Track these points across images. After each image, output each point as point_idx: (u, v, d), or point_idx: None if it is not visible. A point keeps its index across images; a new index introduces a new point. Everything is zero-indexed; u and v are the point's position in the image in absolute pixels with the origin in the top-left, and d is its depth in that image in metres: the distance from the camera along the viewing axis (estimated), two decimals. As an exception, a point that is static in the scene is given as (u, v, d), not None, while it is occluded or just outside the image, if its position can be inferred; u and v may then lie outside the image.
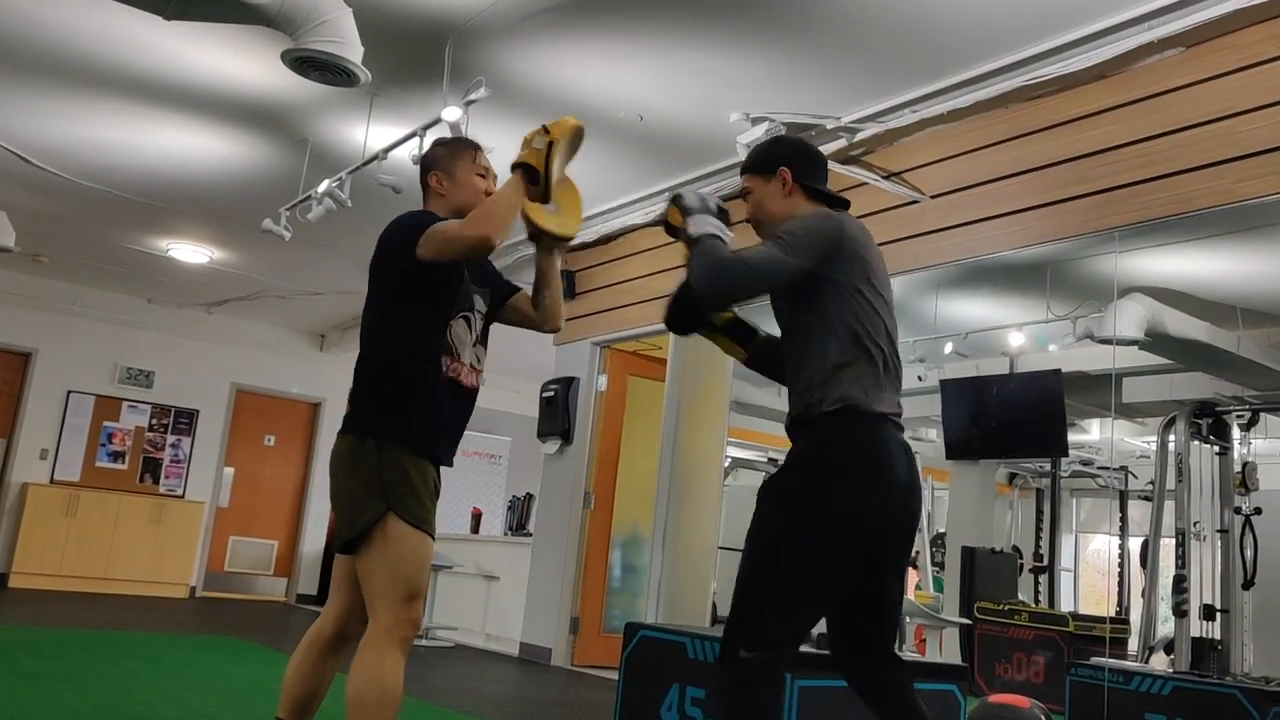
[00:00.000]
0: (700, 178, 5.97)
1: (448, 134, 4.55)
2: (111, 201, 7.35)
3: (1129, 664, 5.19)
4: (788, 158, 2.45)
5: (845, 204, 2.45)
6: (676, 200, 2.40)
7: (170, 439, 10.39)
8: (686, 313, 2.47)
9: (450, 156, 2.66)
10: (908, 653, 7.77)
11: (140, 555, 9.83)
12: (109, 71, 5.40)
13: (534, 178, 2.49)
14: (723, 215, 2.39)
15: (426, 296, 2.49)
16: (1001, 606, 7.79)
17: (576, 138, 2.55)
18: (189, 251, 8.47)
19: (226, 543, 10.63)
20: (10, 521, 9.52)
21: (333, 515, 2.47)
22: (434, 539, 2.45)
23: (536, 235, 2.62)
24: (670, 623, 6.01)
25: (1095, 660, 4.96)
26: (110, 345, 10.17)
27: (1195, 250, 5.40)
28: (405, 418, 2.44)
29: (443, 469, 2.57)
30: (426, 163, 2.69)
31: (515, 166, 2.50)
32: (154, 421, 10.33)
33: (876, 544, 2.21)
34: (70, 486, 9.80)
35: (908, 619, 6.72)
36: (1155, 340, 6.03)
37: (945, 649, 7.89)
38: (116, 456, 10.11)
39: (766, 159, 2.47)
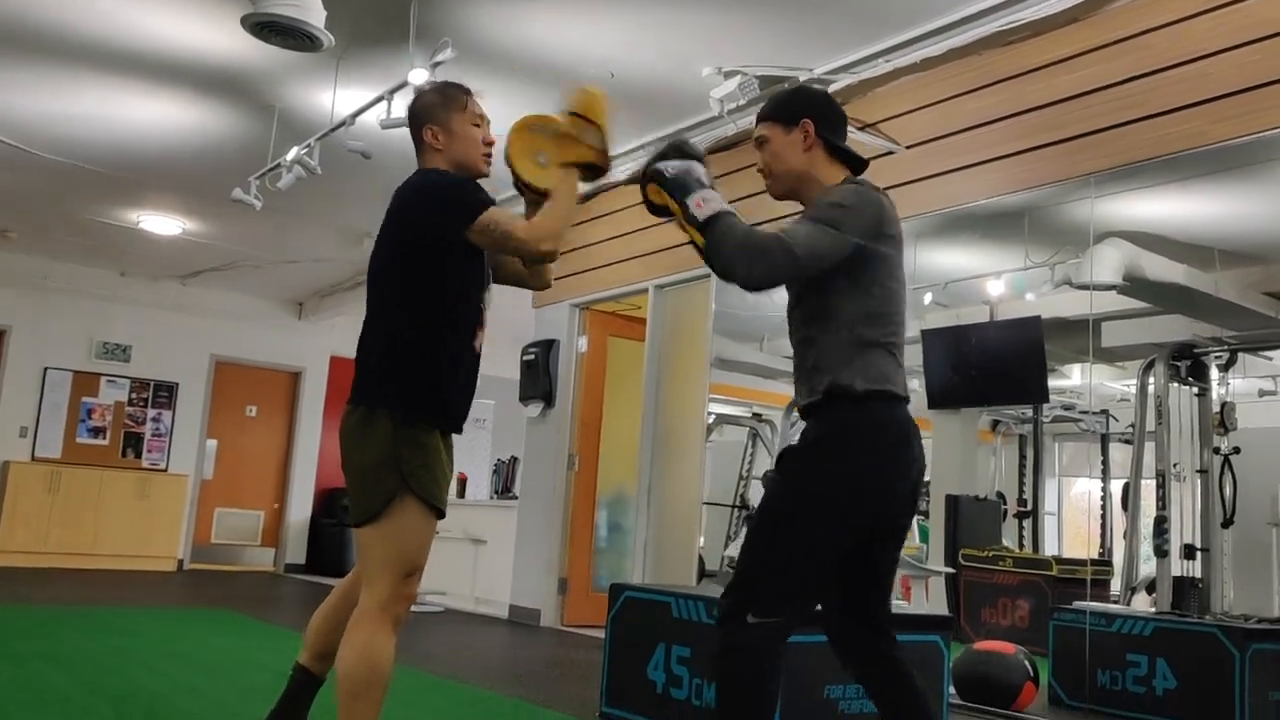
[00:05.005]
0: (674, 133, 5.90)
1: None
2: (77, 174, 7.23)
3: (1111, 607, 5.26)
4: (812, 109, 2.33)
5: (864, 163, 2.36)
6: (655, 176, 2.20)
7: (151, 413, 10.32)
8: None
9: (444, 107, 2.50)
10: (895, 600, 7.86)
11: (126, 530, 9.82)
12: (66, 42, 5.28)
13: (598, 174, 2.42)
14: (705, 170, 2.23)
15: (467, 270, 2.40)
16: (985, 553, 7.86)
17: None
18: (160, 223, 8.36)
19: (212, 515, 10.62)
20: (-8, 500, 9.48)
21: (346, 487, 2.40)
22: (444, 515, 2.39)
23: (523, 189, 2.51)
24: (657, 580, 6.05)
25: (1077, 604, 5.02)
26: (85, 320, 10.07)
27: (1173, 193, 5.38)
28: (425, 391, 2.35)
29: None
30: (418, 115, 2.52)
31: (570, 165, 2.38)
32: (133, 396, 10.26)
33: (890, 521, 2.23)
34: (51, 463, 9.75)
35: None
36: (1134, 284, 6.04)
37: (931, 596, 7.97)
38: (97, 432, 10.05)
39: (789, 108, 2.34)
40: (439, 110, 2.51)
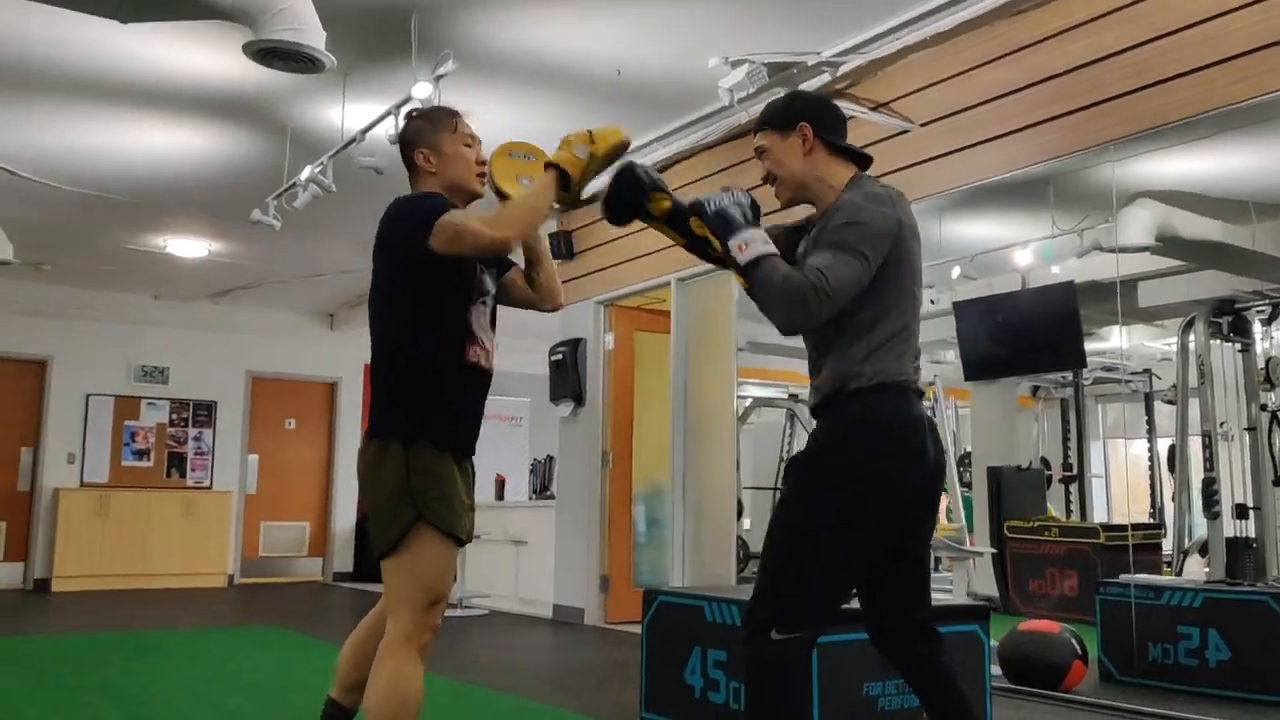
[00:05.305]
0: (685, 126, 5.86)
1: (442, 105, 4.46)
2: (102, 204, 7.32)
3: (1158, 578, 5.16)
4: (807, 113, 2.32)
5: (868, 160, 2.35)
6: (698, 211, 2.22)
7: (192, 432, 10.46)
8: (622, 202, 2.31)
9: (433, 130, 2.51)
10: (942, 572, 7.77)
11: (175, 549, 9.96)
12: (79, 77, 5.33)
13: (566, 184, 2.37)
14: (755, 210, 2.22)
15: (445, 284, 2.39)
16: (1031, 524, 7.77)
17: (620, 150, 2.42)
18: (186, 246, 8.44)
19: (258, 528, 10.74)
20: (46, 527, 9.66)
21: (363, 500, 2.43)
22: (468, 540, 2.40)
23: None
24: (699, 572, 6.04)
25: (1124, 578, 4.94)
26: (122, 345, 10.21)
27: (1201, 149, 5.25)
28: (430, 417, 2.36)
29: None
30: (408, 139, 2.53)
31: (549, 167, 2.36)
32: (174, 416, 10.40)
33: (908, 520, 2.20)
34: (100, 488, 9.91)
35: (931, 553, 6.72)
36: (1167, 244, 5.92)
37: (979, 570, 7.89)
38: (141, 454, 10.20)
39: (785, 114, 2.34)
40: (429, 133, 2.51)
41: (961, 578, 5.11)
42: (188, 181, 6.93)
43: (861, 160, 2.35)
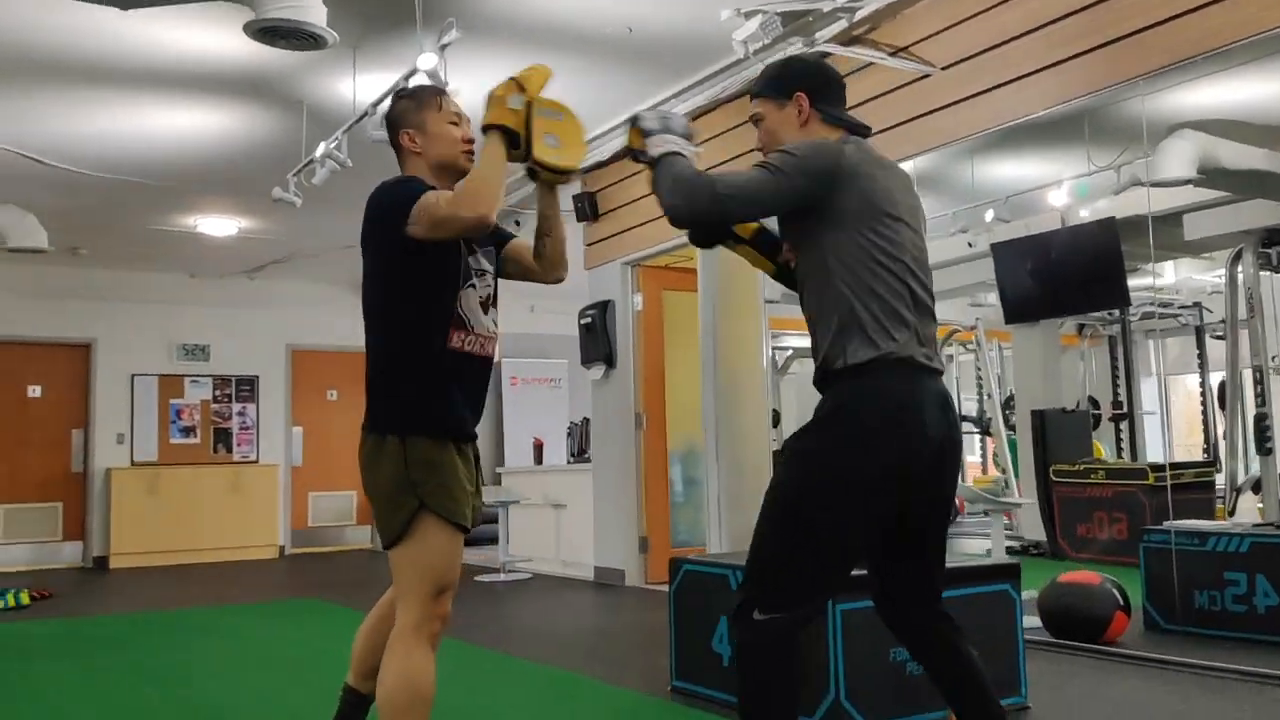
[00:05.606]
0: (700, 81, 5.73)
1: (427, 83, 4.40)
2: (130, 188, 7.38)
3: (1203, 524, 5.03)
4: (804, 81, 2.27)
5: (866, 130, 2.28)
6: (635, 122, 2.27)
7: (236, 407, 10.60)
8: (706, 225, 2.34)
9: (417, 109, 2.48)
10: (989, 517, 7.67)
11: (226, 523, 10.13)
12: (92, 65, 5.33)
13: (514, 141, 2.32)
14: (688, 137, 2.26)
15: (428, 270, 2.35)
16: (1077, 466, 7.65)
17: (546, 79, 2.39)
18: (216, 224, 8.49)
19: (306, 500, 10.88)
20: (101, 506, 9.88)
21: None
22: (472, 526, 2.39)
23: (534, 170, 2.43)
24: (735, 533, 6.00)
25: (1167, 524, 4.83)
26: (163, 324, 10.35)
27: (1239, 76, 5.04)
28: (423, 408, 2.34)
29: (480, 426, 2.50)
30: (393, 121, 2.50)
31: (489, 128, 2.32)
32: (217, 393, 10.54)
33: (908, 503, 2.11)
34: (149, 466, 10.10)
35: (970, 504, 6.66)
36: (1210, 175, 5.72)
37: (1025, 516, 7.80)
38: (188, 431, 10.36)
39: (780, 82, 2.28)
40: (413, 113, 2.48)
41: (999, 529, 5.02)
42: (210, 162, 6.95)
43: (859, 131, 2.27)
